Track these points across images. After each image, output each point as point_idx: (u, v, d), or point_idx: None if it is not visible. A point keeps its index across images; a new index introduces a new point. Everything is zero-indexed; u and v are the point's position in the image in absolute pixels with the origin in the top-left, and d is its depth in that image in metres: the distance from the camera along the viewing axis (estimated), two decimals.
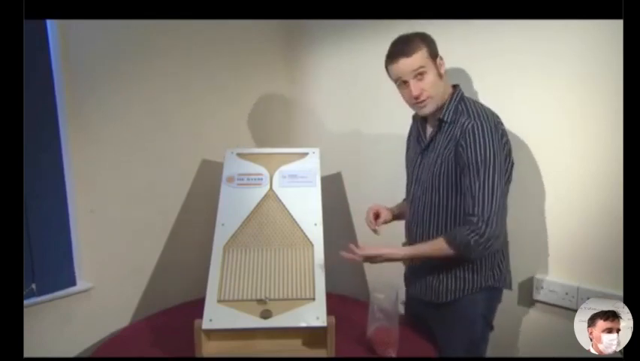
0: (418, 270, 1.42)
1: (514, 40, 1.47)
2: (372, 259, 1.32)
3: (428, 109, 1.33)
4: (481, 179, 1.22)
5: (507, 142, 1.30)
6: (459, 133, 1.27)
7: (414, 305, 1.52)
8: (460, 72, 1.57)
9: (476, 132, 1.24)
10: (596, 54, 1.33)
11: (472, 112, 1.29)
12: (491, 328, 1.39)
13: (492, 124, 1.26)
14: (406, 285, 1.51)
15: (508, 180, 1.33)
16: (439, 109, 1.33)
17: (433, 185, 1.34)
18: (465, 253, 1.25)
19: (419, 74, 1.28)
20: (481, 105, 1.33)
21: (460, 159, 1.26)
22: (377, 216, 1.55)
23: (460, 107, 1.32)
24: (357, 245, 1.33)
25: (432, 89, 1.30)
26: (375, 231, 1.54)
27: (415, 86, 1.29)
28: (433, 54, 1.31)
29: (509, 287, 1.42)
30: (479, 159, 1.22)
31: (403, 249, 1.40)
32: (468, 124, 1.26)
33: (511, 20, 1.44)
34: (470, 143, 1.24)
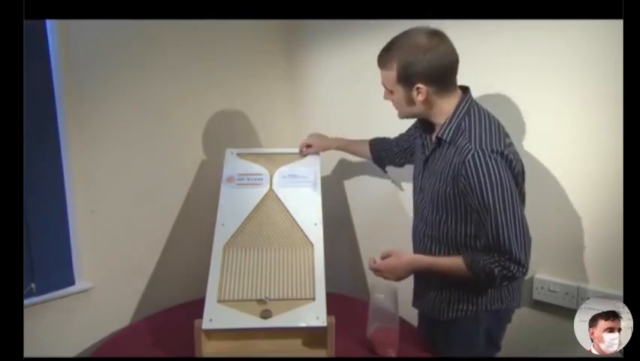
0: (425, 285, 1.35)
1: (513, 40, 1.47)
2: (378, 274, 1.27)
3: (399, 116, 1.30)
4: (493, 216, 1.09)
5: (515, 166, 1.15)
6: (458, 160, 1.13)
7: (422, 319, 1.48)
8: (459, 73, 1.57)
9: (478, 164, 1.09)
10: (597, 54, 1.33)
11: (474, 135, 1.14)
12: (497, 348, 1.33)
13: (496, 149, 1.11)
14: (414, 299, 1.44)
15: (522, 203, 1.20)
16: (439, 125, 1.22)
17: (432, 203, 1.24)
18: (487, 281, 1.15)
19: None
20: (488, 121, 1.18)
21: (462, 191, 1.14)
22: (308, 147, 1.60)
23: (463, 123, 1.17)
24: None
25: (396, 107, 1.26)
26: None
27: (385, 93, 1.27)
28: (406, 80, 1.16)
29: (517, 306, 1.33)
30: (487, 195, 1.09)
31: (416, 258, 1.27)
32: (468, 153, 1.11)
33: (510, 20, 1.44)
34: (473, 176, 1.10)
